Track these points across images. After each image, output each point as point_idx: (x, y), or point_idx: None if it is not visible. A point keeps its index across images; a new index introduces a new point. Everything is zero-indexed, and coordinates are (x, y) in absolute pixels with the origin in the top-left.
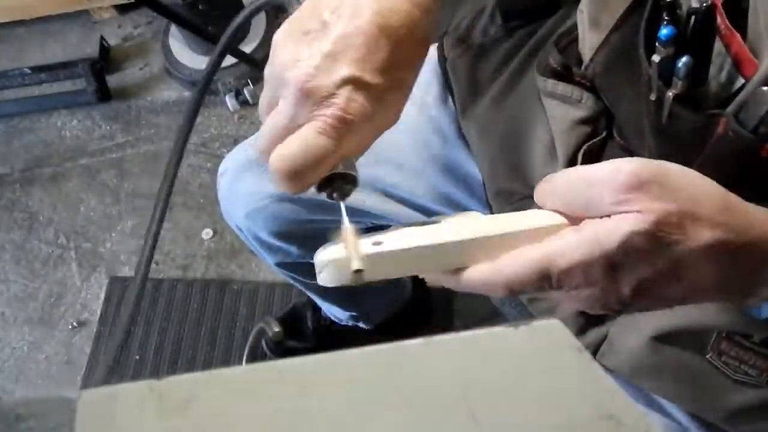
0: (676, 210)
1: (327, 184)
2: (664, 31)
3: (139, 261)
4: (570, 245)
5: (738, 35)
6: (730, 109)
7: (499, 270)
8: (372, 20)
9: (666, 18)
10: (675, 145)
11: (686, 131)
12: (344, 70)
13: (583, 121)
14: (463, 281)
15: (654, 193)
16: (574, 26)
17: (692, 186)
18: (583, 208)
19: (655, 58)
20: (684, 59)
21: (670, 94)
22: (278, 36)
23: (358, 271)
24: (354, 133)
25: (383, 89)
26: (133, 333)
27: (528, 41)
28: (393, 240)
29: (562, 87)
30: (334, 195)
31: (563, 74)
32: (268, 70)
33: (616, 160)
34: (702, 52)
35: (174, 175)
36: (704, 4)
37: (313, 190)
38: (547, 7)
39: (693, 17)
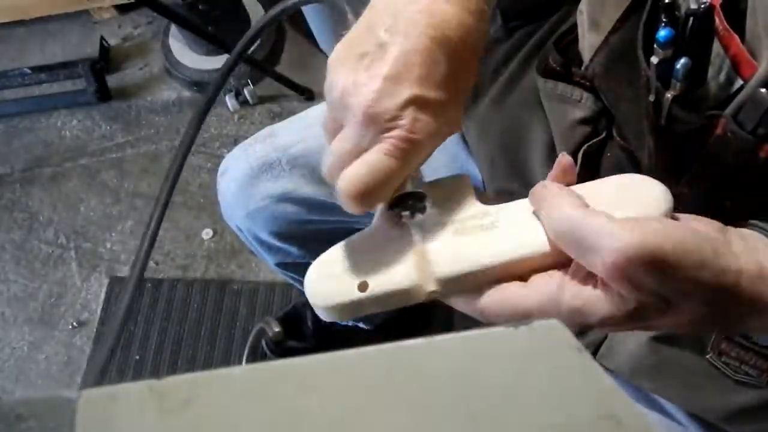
0: (659, 300)
1: (397, 204)
2: (662, 33)
3: (133, 264)
4: (550, 311)
5: (736, 36)
6: (729, 110)
7: (479, 309)
8: (427, 34)
9: (664, 20)
10: (674, 145)
11: (685, 132)
12: (406, 92)
13: (583, 122)
14: (449, 303)
15: (640, 280)
16: (574, 26)
17: (685, 274)
18: (571, 254)
19: (654, 59)
20: (682, 61)
21: (668, 95)
22: (334, 59)
23: (433, 292)
24: (420, 151)
25: (445, 103)
26: (133, 333)
27: (528, 41)
28: (380, 282)
29: (561, 87)
30: (404, 214)
31: (563, 74)
32: (328, 96)
33: (617, 221)
34: (700, 53)
35: (173, 185)
36: (702, 5)
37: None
38: (547, 7)
39: (691, 19)
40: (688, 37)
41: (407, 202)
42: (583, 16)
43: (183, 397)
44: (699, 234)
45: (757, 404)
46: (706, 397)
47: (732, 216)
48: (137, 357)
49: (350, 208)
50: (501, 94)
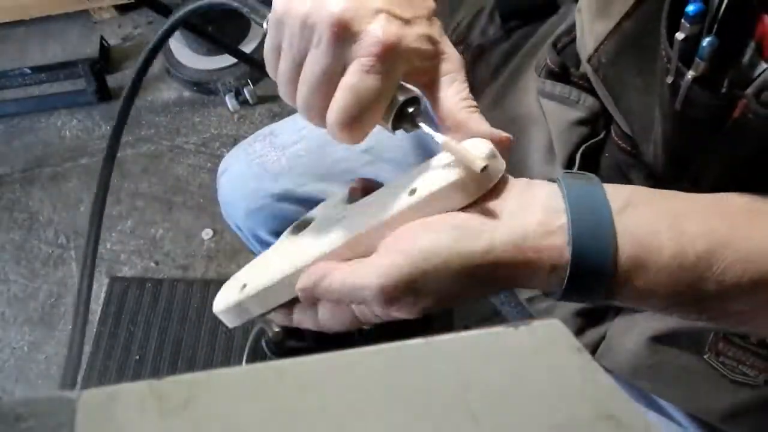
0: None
1: (396, 120)
2: (692, 7)
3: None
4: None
5: (766, 17)
6: (750, 90)
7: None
8: None
9: None
10: (688, 131)
11: (701, 116)
12: (376, 3)
13: (581, 122)
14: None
15: (400, 300)
16: (573, 27)
17: (432, 278)
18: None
19: (679, 35)
20: (709, 39)
21: (689, 76)
22: None
23: (485, 167)
24: (398, 58)
25: (415, 19)
26: (133, 333)
27: (526, 42)
28: (255, 279)
29: (559, 88)
30: (410, 126)
31: (561, 75)
32: (279, 32)
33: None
34: (732, 33)
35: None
36: None
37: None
38: (545, 8)
39: None
40: (721, 15)
41: (406, 110)
42: (581, 12)
43: (183, 397)
44: (442, 236)
45: (755, 404)
46: (703, 397)
47: None
48: (137, 357)
49: (346, 140)
50: (500, 95)
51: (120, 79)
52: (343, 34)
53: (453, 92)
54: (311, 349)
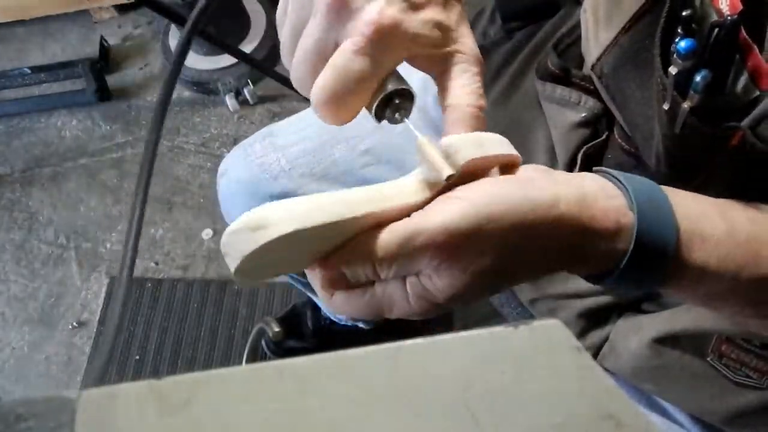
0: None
1: (383, 107)
2: (683, 44)
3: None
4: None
5: (756, 48)
6: (746, 122)
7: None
8: None
9: (680, 32)
10: (686, 152)
11: (699, 141)
12: None
13: (583, 124)
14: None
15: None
16: (574, 28)
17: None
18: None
19: (672, 70)
20: (702, 73)
21: (685, 105)
22: None
23: (450, 176)
24: (394, 43)
25: (425, 3)
26: (133, 333)
27: (527, 43)
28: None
29: (560, 90)
30: (396, 116)
31: (562, 77)
32: None
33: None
34: (722, 65)
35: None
36: (729, 18)
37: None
38: (546, 8)
39: (716, 30)
40: (711, 49)
41: (392, 102)
42: (587, 14)
43: (183, 397)
44: (507, 186)
45: (758, 406)
46: (706, 399)
47: None
48: (137, 357)
49: (327, 119)
50: (502, 96)
51: (120, 79)
52: (340, 10)
53: (460, 84)
54: (311, 349)
